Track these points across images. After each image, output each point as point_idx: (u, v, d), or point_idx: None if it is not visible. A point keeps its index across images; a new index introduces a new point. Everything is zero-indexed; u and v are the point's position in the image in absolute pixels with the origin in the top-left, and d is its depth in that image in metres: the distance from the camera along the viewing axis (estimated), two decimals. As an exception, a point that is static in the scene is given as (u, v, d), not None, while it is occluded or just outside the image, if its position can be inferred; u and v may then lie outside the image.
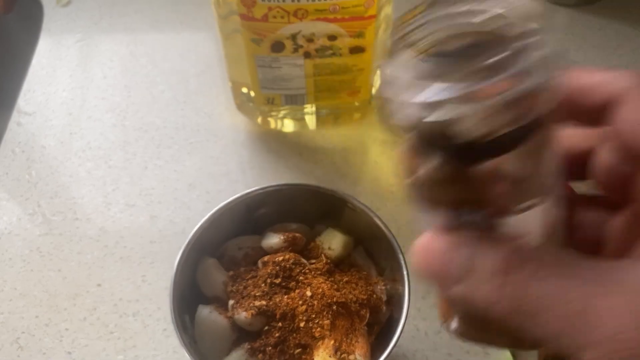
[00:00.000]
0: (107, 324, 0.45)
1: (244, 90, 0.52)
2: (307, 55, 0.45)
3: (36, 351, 0.44)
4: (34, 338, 0.45)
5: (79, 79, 0.59)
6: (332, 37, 0.44)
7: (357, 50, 0.45)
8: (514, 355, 0.42)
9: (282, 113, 0.53)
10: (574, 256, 0.16)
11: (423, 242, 0.18)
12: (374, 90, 0.52)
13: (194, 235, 0.36)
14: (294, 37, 0.43)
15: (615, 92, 0.17)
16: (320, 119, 0.54)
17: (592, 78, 0.18)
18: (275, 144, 0.54)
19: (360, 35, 0.44)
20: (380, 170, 0.53)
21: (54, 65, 0.60)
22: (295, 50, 0.44)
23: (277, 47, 0.44)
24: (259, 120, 0.54)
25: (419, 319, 0.45)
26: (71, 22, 0.64)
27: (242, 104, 0.54)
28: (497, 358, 0.43)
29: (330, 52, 0.45)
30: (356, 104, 0.52)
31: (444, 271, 0.17)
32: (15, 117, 0.57)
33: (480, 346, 0.22)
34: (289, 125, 0.54)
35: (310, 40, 0.43)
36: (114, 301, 0.46)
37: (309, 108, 0.52)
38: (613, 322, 0.14)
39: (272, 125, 0.54)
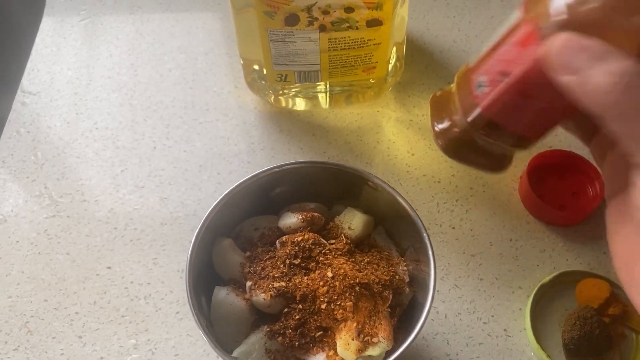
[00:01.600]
0: (118, 307, 0.44)
1: (256, 67, 0.50)
2: (322, 28, 0.43)
3: (46, 335, 0.43)
4: (43, 322, 0.43)
5: (84, 58, 0.58)
6: (349, 9, 0.42)
7: (374, 23, 0.43)
8: (536, 338, 0.41)
9: (293, 91, 0.51)
10: None
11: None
12: (390, 67, 0.50)
13: (208, 216, 0.35)
14: (309, 9, 0.41)
15: None
16: (332, 98, 0.52)
17: None
18: (287, 124, 0.53)
19: (378, 7, 0.42)
20: (396, 150, 0.51)
21: (58, 43, 0.59)
22: (310, 23, 0.42)
23: (292, 20, 0.42)
24: (271, 98, 0.52)
25: (438, 301, 0.44)
26: (75, 0, 0.62)
27: (253, 82, 0.52)
28: (519, 340, 0.42)
29: (347, 25, 0.43)
30: (371, 80, 0.50)
31: (584, 50, 0.19)
32: (19, 96, 0.55)
33: (461, 163, 0.26)
34: (300, 104, 0.53)
35: (326, 12, 0.42)
36: (124, 284, 0.45)
37: (322, 86, 0.50)
38: None
39: (284, 104, 0.53)
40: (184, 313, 0.44)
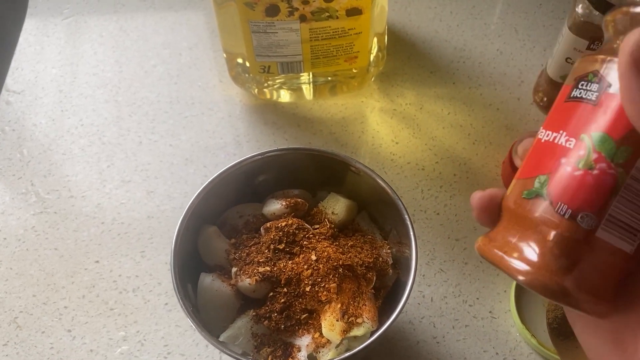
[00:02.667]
0: (107, 300, 0.44)
1: (239, 60, 0.50)
2: (302, 18, 0.43)
3: (35, 330, 0.43)
4: (32, 317, 0.44)
5: (68, 56, 0.58)
6: (328, -1, 0.42)
7: (354, 12, 0.44)
8: (521, 319, 0.42)
9: (277, 83, 0.52)
10: None
11: None
12: (371, 57, 0.51)
13: (192, 203, 0.35)
14: (289, -1, 0.42)
15: None
16: (316, 89, 0.52)
17: None
18: (272, 116, 0.53)
19: (357, -4, 0.42)
20: (380, 139, 0.52)
21: (41, 42, 0.59)
22: (291, 13, 0.43)
23: (272, 10, 0.43)
24: (255, 91, 0.53)
25: (424, 285, 0.44)
26: (58, -1, 0.62)
27: (237, 75, 0.52)
28: (505, 321, 0.43)
29: (327, 14, 0.43)
30: (354, 70, 0.51)
31: None
32: (4, 95, 0.55)
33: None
34: (285, 96, 0.53)
35: (305, 2, 0.42)
36: (113, 278, 0.45)
37: (305, 77, 0.51)
38: None
39: (268, 96, 0.53)
40: (172, 304, 0.44)
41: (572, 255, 0.21)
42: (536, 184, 0.21)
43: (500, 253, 0.22)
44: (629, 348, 0.21)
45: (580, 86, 0.21)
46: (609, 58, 0.21)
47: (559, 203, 0.21)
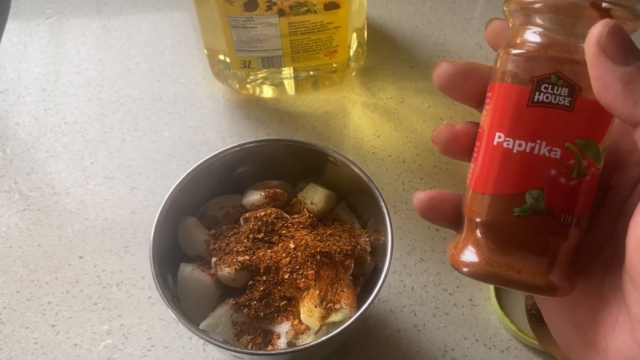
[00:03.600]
0: (91, 295, 0.44)
1: (221, 57, 0.51)
2: (281, 12, 0.44)
3: (19, 326, 0.43)
4: (16, 313, 0.44)
5: (51, 55, 0.58)
6: (305, -7, 0.43)
7: (332, 6, 0.44)
8: (501, 306, 0.42)
9: (260, 78, 0.52)
10: None
11: None
12: (351, 52, 0.51)
13: (171, 195, 0.36)
14: (266, -7, 0.42)
15: None
16: (299, 84, 0.53)
17: None
18: (254, 111, 0.54)
19: (334, -10, 0.43)
20: (362, 133, 0.52)
21: (24, 42, 0.59)
22: (269, 7, 0.43)
23: (250, 5, 0.43)
24: (237, 87, 0.53)
25: (405, 275, 0.45)
26: (41, -1, 0.62)
27: (220, 72, 0.53)
28: (484, 309, 0.44)
29: (305, 8, 0.44)
30: (334, 65, 0.51)
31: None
32: (-13, 95, 0.55)
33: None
34: (267, 91, 0.54)
35: (283, -4, 0.43)
36: (97, 272, 0.45)
37: (287, 71, 0.51)
38: None
39: (251, 91, 0.54)
40: (155, 298, 0.44)
41: (571, 255, 0.22)
42: (529, 200, 0.21)
43: (507, 272, 0.22)
44: (589, 333, 0.22)
45: (543, 89, 0.21)
46: (566, 56, 0.21)
47: (563, 215, 0.21)
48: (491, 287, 0.43)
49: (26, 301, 0.44)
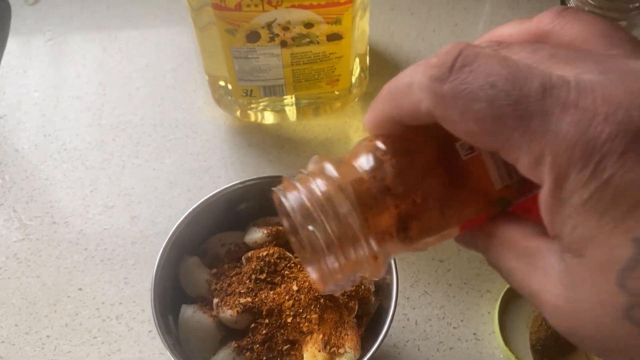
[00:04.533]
0: (90, 328, 0.44)
1: (222, 83, 0.50)
2: (283, 44, 0.44)
3: (17, 360, 0.43)
4: (15, 347, 0.43)
5: (51, 79, 0.58)
6: (308, 25, 0.42)
7: (334, 37, 0.44)
8: (505, 341, 0.42)
9: (261, 105, 0.52)
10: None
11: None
12: (353, 79, 0.51)
13: (173, 233, 0.35)
14: (269, 25, 0.42)
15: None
16: (300, 110, 0.52)
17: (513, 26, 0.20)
18: (256, 138, 0.53)
19: (337, 21, 0.43)
20: (364, 160, 0.52)
21: (24, 65, 0.59)
22: (272, 39, 0.43)
23: (253, 37, 0.43)
24: (238, 113, 0.53)
25: (408, 308, 0.44)
26: (40, 21, 0.62)
27: (221, 98, 0.52)
28: (489, 343, 0.43)
29: (308, 40, 0.44)
30: (336, 92, 0.51)
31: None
32: (-14, 120, 0.55)
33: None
34: (269, 118, 0.53)
35: (286, 28, 0.42)
36: (96, 305, 0.45)
37: (289, 99, 0.51)
38: None
39: (252, 118, 0.53)
40: (156, 332, 0.44)
41: None
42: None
43: None
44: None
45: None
46: None
47: None
48: (496, 321, 0.43)
49: (25, 335, 0.44)
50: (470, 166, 0.19)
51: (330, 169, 0.20)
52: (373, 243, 0.19)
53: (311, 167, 0.21)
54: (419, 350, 0.43)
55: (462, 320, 0.44)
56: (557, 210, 0.16)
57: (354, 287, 0.35)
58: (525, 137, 0.15)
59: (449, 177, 0.19)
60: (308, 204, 0.20)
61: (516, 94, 0.15)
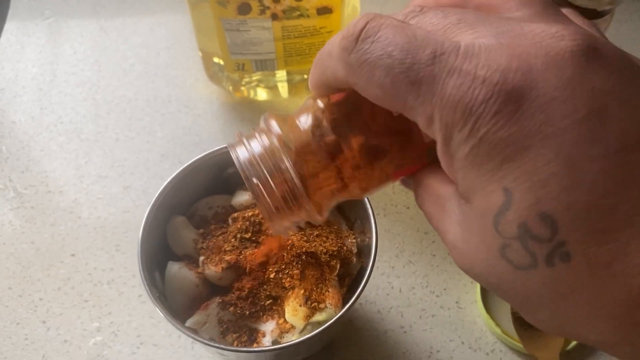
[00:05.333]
0: (82, 292, 0.45)
1: (215, 59, 0.51)
2: (274, 17, 0.45)
3: (10, 322, 0.44)
4: (8, 309, 0.44)
5: (48, 55, 0.59)
6: (298, -3, 0.43)
7: (324, 10, 0.45)
8: (486, 309, 0.43)
9: (254, 81, 0.53)
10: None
11: None
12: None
13: (161, 194, 0.36)
14: (259, -3, 0.43)
15: None
16: (292, 87, 0.53)
17: None
18: (248, 113, 0.54)
19: (326, -5, 0.44)
20: (354, 136, 0.53)
21: (22, 42, 0.60)
22: (262, 12, 0.44)
23: (244, 8, 0.44)
24: (231, 89, 0.54)
25: (393, 277, 0.45)
26: (39, 0, 0.63)
27: (214, 74, 0.54)
28: (471, 312, 0.44)
29: (298, 13, 0.45)
30: (327, 69, 0.52)
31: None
32: (-17, 94, 0.56)
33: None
34: (261, 94, 0.54)
35: (276, 0, 0.43)
36: (88, 270, 0.46)
37: (281, 74, 0.52)
38: None
39: (245, 94, 0.54)
40: (146, 297, 0.45)
41: None
42: None
43: None
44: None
45: None
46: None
47: None
48: (478, 290, 0.44)
49: (18, 297, 0.45)
50: (401, 122, 0.20)
51: (274, 125, 0.22)
52: (311, 195, 0.22)
53: (261, 124, 0.23)
54: (402, 316, 0.44)
55: (444, 289, 0.45)
56: (450, 163, 0.18)
57: (336, 248, 0.36)
58: (417, 100, 0.17)
59: (383, 132, 0.20)
60: (252, 158, 0.22)
61: (409, 61, 0.17)
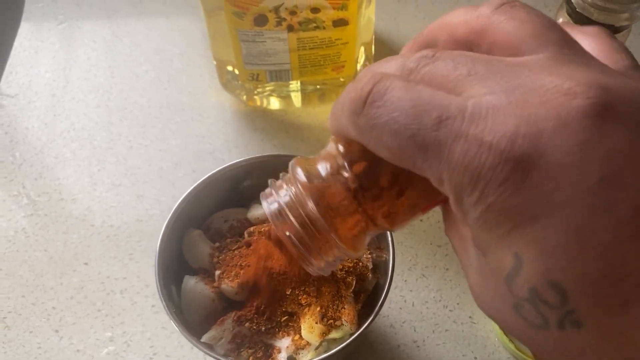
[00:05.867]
0: (95, 302, 0.45)
1: (229, 68, 0.51)
2: (290, 28, 0.45)
3: (23, 330, 0.44)
4: (21, 317, 0.44)
5: (61, 61, 0.59)
6: (315, 10, 0.43)
7: (340, 23, 0.45)
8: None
9: (267, 91, 0.53)
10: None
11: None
12: (359, 66, 0.52)
13: (178, 207, 0.36)
14: (276, 9, 0.43)
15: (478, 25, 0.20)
16: (305, 96, 0.53)
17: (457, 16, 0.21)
18: (261, 122, 0.54)
19: (343, 7, 0.44)
20: (367, 146, 0.53)
21: (36, 47, 0.60)
22: (279, 23, 0.44)
23: (260, 20, 0.44)
24: (244, 98, 0.54)
25: (406, 290, 0.45)
26: (52, 4, 0.63)
27: (227, 82, 0.53)
28: (484, 326, 0.44)
29: (314, 25, 0.45)
30: (341, 79, 0.52)
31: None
32: (-3, 99, 0.56)
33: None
34: (274, 103, 0.54)
35: (293, 12, 0.43)
36: (101, 279, 0.46)
37: (294, 85, 0.52)
38: None
39: (258, 103, 0.54)
40: (159, 306, 0.45)
41: None
42: None
43: None
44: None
45: None
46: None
47: None
48: (491, 305, 0.44)
49: (31, 305, 0.45)
50: None
51: (300, 173, 0.22)
52: (341, 236, 0.22)
53: (289, 171, 0.23)
54: (415, 331, 0.44)
55: (458, 304, 0.45)
56: (463, 218, 0.18)
57: (352, 264, 0.36)
58: (425, 163, 0.17)
59: (406, 174, 0.20)
60: (282, 209, 0.23)
61: (414, 127, 0.17)
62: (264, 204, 0.23)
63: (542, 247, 0.16)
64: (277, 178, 0.38)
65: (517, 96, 0.16)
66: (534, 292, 0.16)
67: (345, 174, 0.21)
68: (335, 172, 0.21)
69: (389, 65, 0.19)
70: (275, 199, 0.23)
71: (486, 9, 0.19)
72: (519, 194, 0.16)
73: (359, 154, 0.21)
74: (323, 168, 0.22)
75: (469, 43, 0.20)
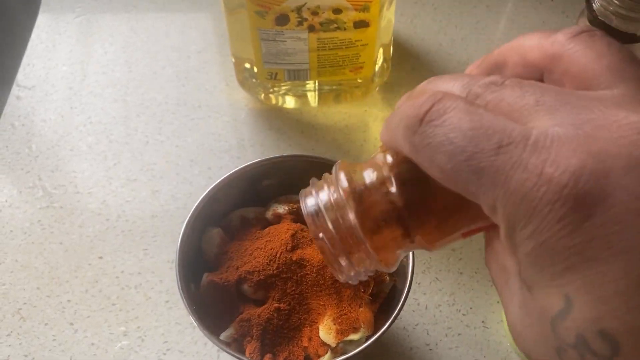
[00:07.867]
0: (109, 296, 0.45)
1: (247, 66, 0.51)
2: (311, 28, 0.45)
3: (38, 322, 0.44)
4: (36, 309, 0.45)
5: (78, 54, 0.59)
6: (337, 11, 0.43)
7: (361, 24, 0.45)
8: (513, 329, 0.43)
9: (283, 89, 0.53)
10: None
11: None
12: (376, 67, 0.52)
13: (198, 206, 0.36)
14: (299, 9, 0.43)
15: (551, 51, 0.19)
16: (321, 96, 0.53)
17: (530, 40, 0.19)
18: (276, 121, 0.54)
19: (365, 9, 0.44)
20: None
21: (53, 39, 0.60)
22: (300, 23, 0.44)
23: (282, 20, 0.44)
24: (261, 96, 0.54)
25: (419, 293, 0.45)
26: (70, -2, 0.63)
27: (245, 80, 0.54)
28: (497, 331, 0.44)
29: (335, 26, 0.45)
30: (358, 80, 0.52)
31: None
32: (14, 90, 0.56)
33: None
34: (290, 102, 0.54)
35: (315, 13, 0.43)
36: (115, 274, 0.46)
37: (311, 84, 0.52)
38: None
39: (274, 101, 0.54)
40: (173, 302, 0.45)
41: None
42: None
43: None
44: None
45: None
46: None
47: None
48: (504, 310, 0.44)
49: (46, 298, 0.45)
50: None
51: (343, 179, 0.22)
52: (377, 248, 0.21)
53: (332, 173, 0.23)
54: (427, 334, 0.44)
55: (471, 308, 0.45)
56: (513, 250, 0.17)
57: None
58: (479, 189, 0.16)
59: (454, 196, 0.20)
60: (319, 211, 0.22)
61: (470, 150, 0.16)
62: (302, 201, 0.23)
63: (597, 292, 0.15)
64: (298, 177, 0.38)
65: (586, 130, 0.15)
66: (581, 339, 0.15)
67: (391, 187, 0.20)
68: (381, 183, 0.21)
69: (453, 85, 0.19)
70: (315, 198, 0.22)
71: (563, 36, 0.18)
72: (577, 235, 0.15)
73: (408, 169, 0.20)
74: (368, 176, 0.21)
75: (541, 68, 0.19)
